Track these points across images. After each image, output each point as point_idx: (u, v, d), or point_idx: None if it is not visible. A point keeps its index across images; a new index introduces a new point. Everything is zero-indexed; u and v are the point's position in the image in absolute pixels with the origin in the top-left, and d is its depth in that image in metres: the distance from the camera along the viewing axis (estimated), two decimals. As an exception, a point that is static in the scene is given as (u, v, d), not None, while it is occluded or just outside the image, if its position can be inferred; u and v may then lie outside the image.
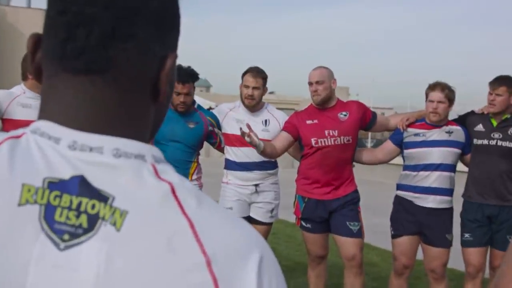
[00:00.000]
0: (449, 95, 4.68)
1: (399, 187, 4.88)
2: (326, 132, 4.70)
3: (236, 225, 0.74)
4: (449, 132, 4.74)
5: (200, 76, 4.92)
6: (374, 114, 4.99)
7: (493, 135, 4.69)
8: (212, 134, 5.00)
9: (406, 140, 4.80)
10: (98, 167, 0.73)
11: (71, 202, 0.71)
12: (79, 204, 0.71)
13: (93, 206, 0.70)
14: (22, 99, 4.63)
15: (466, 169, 4.94)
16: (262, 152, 4.56)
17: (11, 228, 0.70)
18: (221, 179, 5.19)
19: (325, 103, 4.78)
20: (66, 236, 0.69)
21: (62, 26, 0.76)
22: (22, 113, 4.56)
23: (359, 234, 4.75)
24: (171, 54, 0.82)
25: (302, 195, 4.87)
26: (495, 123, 4.72)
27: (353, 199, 4.80)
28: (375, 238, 7.44)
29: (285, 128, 4.86)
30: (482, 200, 4.71)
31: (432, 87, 4.72)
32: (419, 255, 4.91)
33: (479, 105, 4.97)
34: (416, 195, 4.72)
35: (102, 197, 0.71)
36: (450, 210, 4.75)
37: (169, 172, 0.76)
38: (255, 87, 4.95)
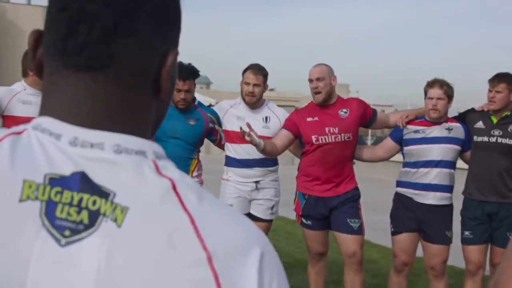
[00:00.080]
0: (448, 91, 4.69)
1: (399, 184, 4.88)
2: (327, 129, 4.70)
3: (237, 221, 0.74)
4: (449, 129, 4.74)
5: (200, 73, 4.92)
6: (374, 111, 4.99)
7: (493, 132, 4.69)
8: (212, 131, 5.00)
9: (406, 137, 4.81)
10: (99, 163, 0.73)
11: (72, 198, 0.71)
12: (80, 200, 0.71)
13: (94, 202, 0.71)
14: (23, 96, 4.63)
15: (466, 166, 4.94)
16: (263, 151, 4.56)
17: (12, 224, 0.70)
18: (221, 176, 5.19)
19: (326, 101, 4.78)
20: (67, 232, 0.70)
21: (64, 22, 0.76)
22: (22, 109, 4.56)
23: (360, 231, 4.76)
24: (172, 51, 0.82)
25: (302, 192, 4.88)
26: (495, 120, 4.72)
27: (354, 196, 4.81)
28: (375, 235, 7.45)
29: (285, 126, 4.86)
30: (482, 197, 4.71)
31: (431, 84, 4.72)
32: (419, 252, 4.92)
33: (480, 102, 4.98)
34: (416, 191, 4.72)
35: (103, 193, 0.71)
36: (450, 207, 4.76)
37: (170, 168, 0.76)
38: (256, 84, 4.95)
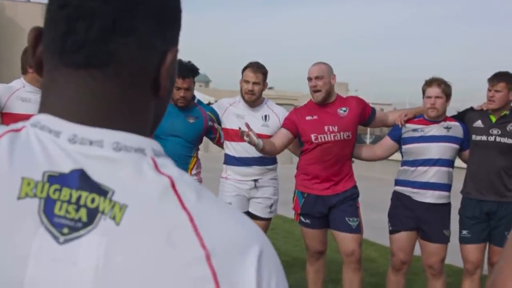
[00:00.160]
0: (446, 90, 4.70)
1: (397, 182, 4.89)
2: (326, 128, 4.70)
3: (236, 219, 0.74)
4: (447, 128, 4.75)
5: (199, 71, 4.92)
6: (373, 110, 4.99)
7: (492, 131, 4.69)
8: (211, 129, 5.00)
9: (404, 135, 4.81)
10: (98, 160, 0.73)
11: (70, 195, 0.71)
12: (79, 198, 0.71)
13: (92, 200, 0.70)
14: (22, 93, 4.63)
15: (464, 165, 4.95)
16: (262, 150, 4.56)
17: (11, 221, 0.70)
18: (220, 174, 5.19)
19: (325, 99, 4.78)
20: (65, 230, 0.69)
21: (62, 19, 0.76)
22: (21, 107, 4.56)
23: (358, 229, 4.76)
24: (172, 49, 0.82)
25: (301, 191, 4.88)
26: (494, 119, 4.73)
27: (352, 195, 4.81)
28: (373, 233, 7.45)
29: (284, 125, 4.85)
30: (481, 196, 4.72)
31: (429, 83, 4.73)
32: (417, 251, 4.92)
33: (479, 101, 4.98)
34: (415, 190, 4.72)
35: (101, 191, 0.71)
36: (448, 206, 4.76)
37: (168, 166, 0.76)
38: (255, 82, 4.95)
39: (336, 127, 4.70)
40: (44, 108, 0.79)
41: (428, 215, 4.69)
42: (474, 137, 4.75)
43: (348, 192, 4.78)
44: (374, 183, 13.57)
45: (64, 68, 0.77)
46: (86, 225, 0.70)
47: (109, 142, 0.74)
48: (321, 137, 4.70)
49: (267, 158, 4.98)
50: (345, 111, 4.77)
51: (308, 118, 4.77)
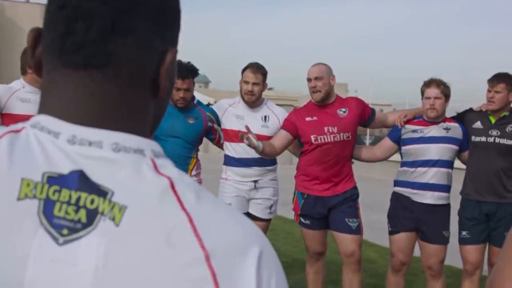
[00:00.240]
0: (445, 90, 4.70)
1: (397, 183, 4.89)
2: (326, 128, 4.70)
3: (235, 219, 0.74)
4: (447, 129, 4.75)
5: (199, 72, 4.92)
6: (373, 111, 4.99)
7: (491, 132, 4.69)
8: (211, 130, 5.00)
9: (404, 136, 4.81)
10: (97, 161, 0.73)
11: (70, 197, 0.71)
12: (78, 199, 0.71)
13: (92, 201, 0.70)
14: (22, 94, 4.63)
15: (463, 166, 4.95)
16: (261, 152, 4.56)
17: (10, 222, 0.70)
18: (219, 175, 5.19)
19: (324, 100, 4.78)
20: (65, 231, 0.69)
21: (62, 20, 0.76)
22: (21, 107, 4.56)
23: (358, 230, 4.76)
24: (171, 49, 0.82)
25: (301, 192, 4.88)
26: (493, 120, 4.73)
27: (352, 196, 4.81)
28: (373, 234, 7.45)
29: (284, 127, 4.85)
30: (480, 197, 4.72)
31: (428, 84, 4.74)
32: (417, 252, 4.92)
33: (478, 102, 4.98)
34: (414, 191, 4.73)
35: (101, 192, 0.71)
36: (447, 207, 4.77)
37: (168, 166, 0.76)
38: (255, 83, 4.95)
39: (335, 128, 4.70)
40: (44, 108, 0.79)
41: (427, 216, 4.69)
42: (473, 138, 4.75)
43: (348, 193, 4.78)
44: (374, 184, 13.57)
45: (63, 69, 0.77)
46: (85, 226, 0.70)
47: (108, 143, 0.74)
48: (320, 138, 4.70)
49: (266, 159, 4.98)
50: (344, 112, 4.78)
51: (307, 119, 4.77)
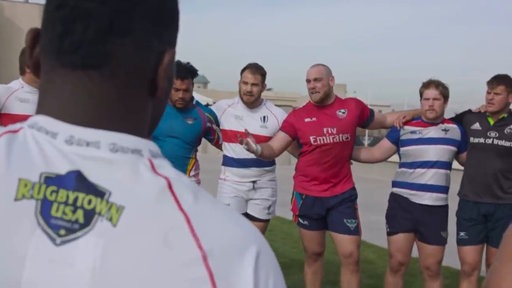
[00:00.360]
0: (444, 91, 4.71)
1: (395, 184, 4.89)
2: (325, 129, 4.71)
3: (233, 220, 0.74)
4: (445, 130, 4.76)
5: (198, 72, 4.91)
6: (371, 112, 5.00)
7: (490, 133, 4.70)
8: (210, 131, 5.00)
9: (402, 137, 4.82)
10: (95, 162, 0.73)
11: (67, 197, 0.71)
12: (76, 199, 0.71)
13: (89, 202, 0.70)
14: (20, 94, 4.63)
15: (461, 167, 4.96)
16: (260, 155, 4.56)
17: (7, 223, 0.70)
18: (217, 176, 5.19)
19: (323, 101, 4.78)
20: (62, 231, 0.69)
21: (59, 20, 0.76)
22: (20, 107, 4.56)
23: (356, 231, 4.76)
24: (169, 50, 0.82)
25: (299, 192, 4.88)
26: (492, 122, 4.74)
27: (351, 197, 4.81)
28: (371, 235, 7.44)
29: (282, 128, 4.86)
30: (478, 198, 4.73)
31: (426, 85, 4.75)
32: (415, 253, 4.92)
33: (477, 103, 4.99)
34: (412, 192, 4.73)
35: (98, 192, 0.71)
36: (445, 208, 4.77)
37: (165, 167, 0.76)
38: (254, 83, 4.95)
39: (335, 129, 4.71)
40: (41, 108, 0.79)
41: (425, 217, 4.69)
42: (471, 139, 4.76)
43: (346, 194, 4.79)
44: (372, 185, 13.57)
45: (61, 69, 0.77)
46: (83, 226, 0.69)
47: (105, 143, 0.74)
48: (320, 139, 4.70)
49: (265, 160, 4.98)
50: (344, 113, 4.78)
51: (307, 120, 4.78)
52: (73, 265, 0.68)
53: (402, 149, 4.84)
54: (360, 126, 4.99)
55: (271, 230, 7.39)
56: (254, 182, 5.02)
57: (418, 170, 4.71)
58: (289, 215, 5.31)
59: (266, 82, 5.11)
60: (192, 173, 4.83)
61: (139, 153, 0.75)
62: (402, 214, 4.77)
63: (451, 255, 5.14)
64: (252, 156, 4.86)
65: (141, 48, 0.78)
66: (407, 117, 4.88)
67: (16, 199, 0.71)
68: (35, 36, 0.82)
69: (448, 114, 4.97)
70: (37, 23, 0.82)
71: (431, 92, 4.69)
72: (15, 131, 0.77)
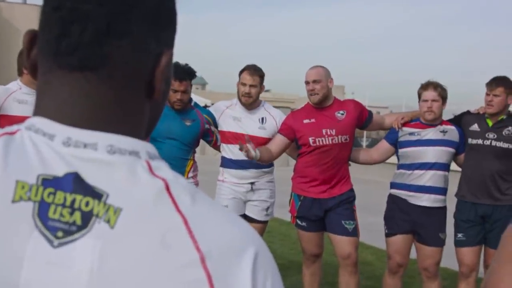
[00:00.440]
0: (442, 93, 4.72)
1: (393, 185, 4.90)
2: (324, 131, 4.71)
3: (231, 221, 0.74)
4: (444, 132, 4.76)
5: (196, 74, 4.91)
6: (370, 113, 5.00)
7: (488, 135, 4.71)
8: (208, 132, 5.00)
9: (401, 139, 4.82)
10: (92, 163, 0.73)
11: (65, 199, 0.71)
12: (73, 201, 0.70)
13: (87, 203, 0.70)
14: (18, 95, 4.63)
15: (459, 168, 4.96)
16: (259, 160, 4.57)
17: (5, 225, 0.70)
18: (215, 177, 5.18)
19: (322, 102, 4.78)
20: (59, 233, 0.69)
21: (56, 22, 0.76)
22: (18, 109, 4.56)
23: (355, 233, 4.76)
24: (167, 52, 0.81)
25: (298, 194, 4.88)
26: (490, 123, 4.74)
27: (349, 198, 4.81)
28: (369, 237, 7.45)
29: (281, 131, 4.86)
30: (475, 199, 4.73)
31: (425, 86, 4.75)
32: (413, 254, 4.93)
33: (476, 104, 5.00)
34: (411, 193, 4.73)
35: (96, 194, 0.71)
36: (443, 209, 4.78)
37: (163, 168, 0.76)
38: (252, 85, 4.95)
39: (333, 130, 4.71)
40: (39, 110, 0.79)
41: (423, 218, 4.70)
42: (470, 140, 4.77)
43: (345, 196, 4.79)
44: (370, 186, 13.56)
45: (58, 71, 0.77)
46: (80, 228, 0.69)
47: (103, 145, 0.74)
48: (319, 140, 4.71)
49: (263, 161, 4.98)
50: (342, 114, 4.78)
51: (305, 121, 4.78)
52: (71, 267, 0.68)
53: (400, 150, 4.84)
54: (359, 127, 5.00)
55: (269, 231, 7.38)
56: (252, 183, 5.02)
57: (416, 171, 4.71)
58: (287, 217, 5.31)
59: (264, 83, 5.11)
60: (190, 174, 4.83)
61: (136, 154, 0.75)
62: (400, 216, 4.77)
63: (449, 257, 5.14)
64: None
65: (138, 50, 0.78)
66: (405, 118, 4.88)
67: (13, 201, 0.71)
68: (32, 38, 0.82)
69: (446, 116, 4.98)
70: (35, 25, 0.82)
71: (430, 94, 4.69)
72: (12, 133, 0.77)
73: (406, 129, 4.82)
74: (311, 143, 4.72)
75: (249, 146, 4.38)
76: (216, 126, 5.07)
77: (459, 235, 4.80)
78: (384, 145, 4.98)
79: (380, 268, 6.23)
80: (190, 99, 4.93)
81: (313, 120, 4.76)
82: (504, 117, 4.74)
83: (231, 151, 5.00)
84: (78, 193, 0.71)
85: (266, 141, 4.92)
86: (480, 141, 4.72)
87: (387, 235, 4.89)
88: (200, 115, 4.93)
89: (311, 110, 4.84)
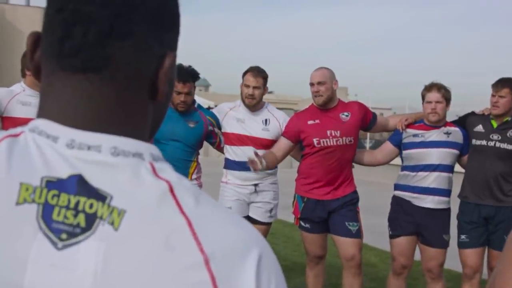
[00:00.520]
0: (446, 94, 4.71)
1: (397, 187, 4.89)
2: (328, 132, 4.71)
3: (235, 223, 0.74)
4: (448, 133, 4.76)
5: (199, 76, 4.92)
6: (374, 115, 5.01)
7: (492, 136, 4.70)
8: (212, 134, 5.00)
9: (405, 140, 4.82)
10: (96, 165, 0.73)
11: (69, 201, 0.71)
12: (77, 203, 0.70)
13: (91, 205, 0.70)
14: (22, 97, 4.64)
15: (462, 169, 4.95)
16: (266, 168, 4.59)
17: (9, 227, 0.70)
18: (219, 179, 5.18)
19: (327, 104, 4.78)
20: (64, 236, 0.69)
21: (60, 24, 0.76)
22: (22, 111, 4.57)
23: (358, 234, 4.76)
24: (170, 53, 0.81)
25: (301, 195, 4.88)
26: (495, 124, 4.74)
27: (352, 200, 4.81)
28: (373, 238, 7.44)
29: (285, 134, 4.86)
30: (479, 200, 4.73)
31: (429, 88, 4.74)
32: (417, 256, 4.92)
33: (478, 106, 5.00)
34: (415, 195, 4.73)
35: (100, 196, 0.71)
36: (447, 211, 4.77)
37: (167, 170, 0.76)
38: (256, 86, 4.95)
39: (338, 131, 4.71)
40: (42, 112, 0.79)
41: (427, 220, 4.69)
42: (474, 141, 4.76)
43: (348, 197, 4.78)
44: (374, 187, 13.55)
45: (61, 72, 0.77)
46: (84, 230, 0.69)
47: (107, 147, 0.74)
48: (323, 142, 4.70)
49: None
50: (347, 116, 4.78)
51: (310, 122, 4.78)
52: (75, 269, 0.68)
53: (404, 152, 4.83)
54: (363, 129, 4.99)
55: (273, 233, 7.38)
56: (256, 185, 5.02)
57: (420, 173, 4.70)
58: (291, 218, 5.30)
59: (268, 85, 5.11)
60: (194, 176, 4.83)
61: (140, 156, 0.75)
62: (404, 217, 4.77)
63: (453, 258, 5.13)
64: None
65: (141, 51, 0.78)
66: (409, 120, 4.88)
67: (17, 204, 0.71)
68: (36, 40, 0.82)
69: (450, 117, 4.97)
70: (38, 26, 0.82)
71: (433, 95, 4.69)
72: (16, 135, 0.77)
73: (410, 131, 4.82)
74: (315, 144, 4.72)
75: (257, 160, 4.39)
76: (220, 128, 5.07)
77: (462, 236, 4.79)
78: (388, 147, 4.98)
79: (384, 270, 6.23)
80: (194, 101, 4.93)
81: (317, 121, 4.76)
82: (509, 118, 4.73)
83: (235, 153, 5.00)
84: (82, 195, 0.71)
85: (269, 142, 4.92)
86: (484, 142, 4.71)
87: (391, 236, 4.89)
88: (204, 116, 4.94)
89: (316, 111, 4.84)
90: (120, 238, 0.68)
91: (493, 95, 4.73)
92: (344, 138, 4.71)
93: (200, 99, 12.93)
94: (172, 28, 0.83)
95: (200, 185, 4.87)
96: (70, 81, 0.77)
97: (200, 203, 0.73)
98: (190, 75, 4.71)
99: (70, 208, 0.70)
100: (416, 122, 4.85)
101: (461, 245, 4.80)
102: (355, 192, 4.86)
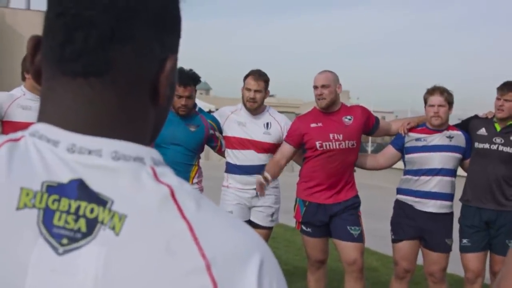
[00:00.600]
0: (448, 98, 4.71)
1: (400, 191, 4.89)
2: (331, 135, 4.70)
3: (236, 228, 0.74)
4: (450, 137, 4.75)
5: (200, 79, 4.92)
6: (377, 119, 5.00)
7: (495, 139, 4.70)
8: (213, 138, 5.00)
9: (407, 145, 4.82)
10: (97, 170, 0.72)
11: (69, 206, 0.70)
12: (78, 208, 0.70)
13: (92, 210, 0.70)
14: (22, 101, 4.63)
15: (464, 173, 4.95)
16: (272, 178, 4.64)
17: (10, 232, 0.70)
18: (220, 183, 5.18)
19: (330, 107, 4.78)
20: (64, 241, 0.69)
21: (60, 28, 0.76)
22: (22, 115, 4.56)
23: (360, 238, 4.75)
24: (171, 57, 0.81)
25: (302, 199, 4.87)
26: (498, 128, 4.73)
27: (354, 204, 4.80)
28: (374, 242, 7.43)
29: (287, 139, 4.86)
30: (480, 204, 4.72)
31: (431, 91, 4.74)
32: (419, 260, 4.91)
33: (480, 109, 4.99)
34: (417, 199, 4.73)
35: (101, 201, 0.70)
36: (450, 215, 4.77)
37: (168, 174, 0.75)
38: (257, 90, 4.96)
39: (341, 135, 4.71)
40: (43, 116, 0.78)
41: (430, 224, 4.68)
42: (476, 144, 4.76)
43: (350, 201, 4.78)
44: (375, 191, 13.56)
45: (62, 77, 0.77)
46: (85, 235, 0.69)
47: (107, 151, 0.73)
48: (326, 145, 4.70)
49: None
50: (350, 119, 4.78)
51: (312, 125, 4.78)
52: (76, 275, 0.68)
53: (407, 156, 4.83)
54: (366, 133, 5.00)
55: (274, 237, 7.38)
56: (257, 189, 5.01)
57: (422, 177, 4.70)
58: (292, 222, 5.30)
59: (270, 88, 5.11)
60: (195, 180, 4.82)
61: (141, 161, 0.75)
62: (406, 222, 4.77)
63: (455, 263, 5.12)
64: (255, 163, 4.87)
65: (142, 55, 0.77)
66: (411, 123, 4.88)
67: (18, 208, 0.71)
68: (36, 44, 0.81)
69: (452, 121, 4.97)
70: (39, 30, 0.82)
71: (436, 99, 4.68)
72: (17, 140, 0.77)
73: (413, 135, 4.81)
74: (318, 147, 4.72)
75: (264, 183, 4.45)
76: (221, 132, 5.07)
77: (464, 240, 4.78)
78: (390, 151, 4.97)
79: (386, 274, 6.22)
80: (195, 105, 4.93)
81: (320, 124, 4.76)
82: (513, 122, 4.73)
83: (236, 157, 5.00)
84: (82, 200, 0.70)
85: (271, 146, 4.92)
86: (487, 146, 4.71)
87: (394, 241, 4.88)
88: (205, 120, 4.94)
89: (318, 115, 4.84)
90: (121, 243, 0.68)
91: (498, 98, 4.73)
92: (346, 141, 4.71)
93: (201, 103, 12.96)
94: (173, 32, 0.83)
95: (201, 189, 4.86)
96: (71, 86, 0.76)
97: (201, 207, 0.72)
98: (191, 79, 4.71)
99: (71, 213, 0.70)
100: (419, 126, 4.85)
101: (463, 249, 4.79)
102: (357, 196, 4.85)
